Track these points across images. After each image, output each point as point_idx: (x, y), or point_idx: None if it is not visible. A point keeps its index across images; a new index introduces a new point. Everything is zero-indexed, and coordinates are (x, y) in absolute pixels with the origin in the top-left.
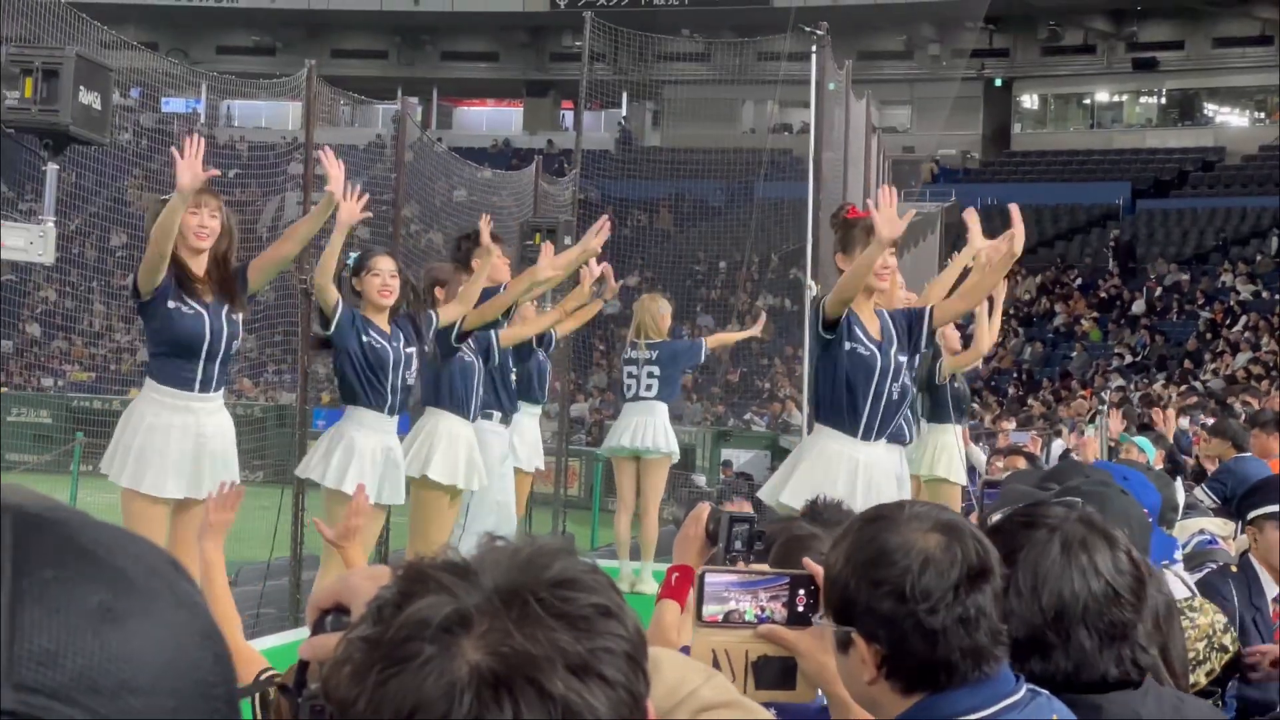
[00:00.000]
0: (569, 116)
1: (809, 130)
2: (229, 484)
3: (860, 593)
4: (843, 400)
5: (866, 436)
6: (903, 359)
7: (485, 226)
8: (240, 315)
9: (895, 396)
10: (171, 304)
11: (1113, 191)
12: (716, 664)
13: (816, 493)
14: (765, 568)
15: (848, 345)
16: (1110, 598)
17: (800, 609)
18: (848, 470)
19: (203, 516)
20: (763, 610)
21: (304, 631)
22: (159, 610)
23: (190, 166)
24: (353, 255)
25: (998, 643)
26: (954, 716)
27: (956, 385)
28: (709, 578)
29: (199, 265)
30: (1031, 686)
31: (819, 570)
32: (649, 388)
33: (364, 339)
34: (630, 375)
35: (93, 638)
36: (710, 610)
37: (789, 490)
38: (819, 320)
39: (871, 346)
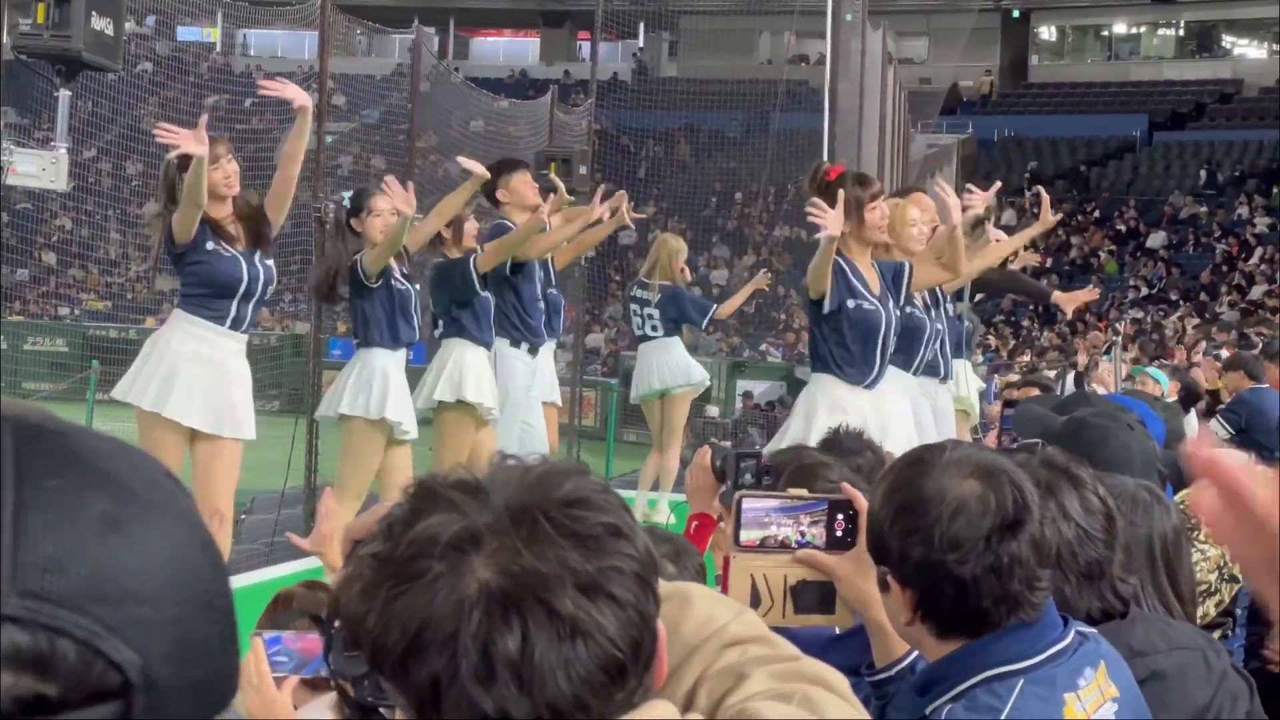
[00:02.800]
0: (585, 47)
1: (825, 61)
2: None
3: (893, 538)
4: (850, 357)
5: (872, 385)
6: (897, 312)
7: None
8: (271, 259)
9: (893, 348)
10: (210, 245)
11: (1130, 124)
12: (755, 589)
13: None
14: (804, 492)
15: (851, 304)
16: (1082, 539)
17: (839, 533)
18: (859, 417)
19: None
20: (801, 535)
21: (317, 560)
22: (161, 520)
23: (198, 140)
24: (346, 195)
25: (1034, 589)
26: (996, 665)
27: (965, 323)
28: (746, 503)
29: (223, 211)
30: (1080, 629)
31: (857, 494)
32: (654, 328)
33: (392, 283)
34: (635, 313)
35: (97, 546)
36: (748, 535)
37: (792, 437)
38: (808, 294)
39: (875, 301)
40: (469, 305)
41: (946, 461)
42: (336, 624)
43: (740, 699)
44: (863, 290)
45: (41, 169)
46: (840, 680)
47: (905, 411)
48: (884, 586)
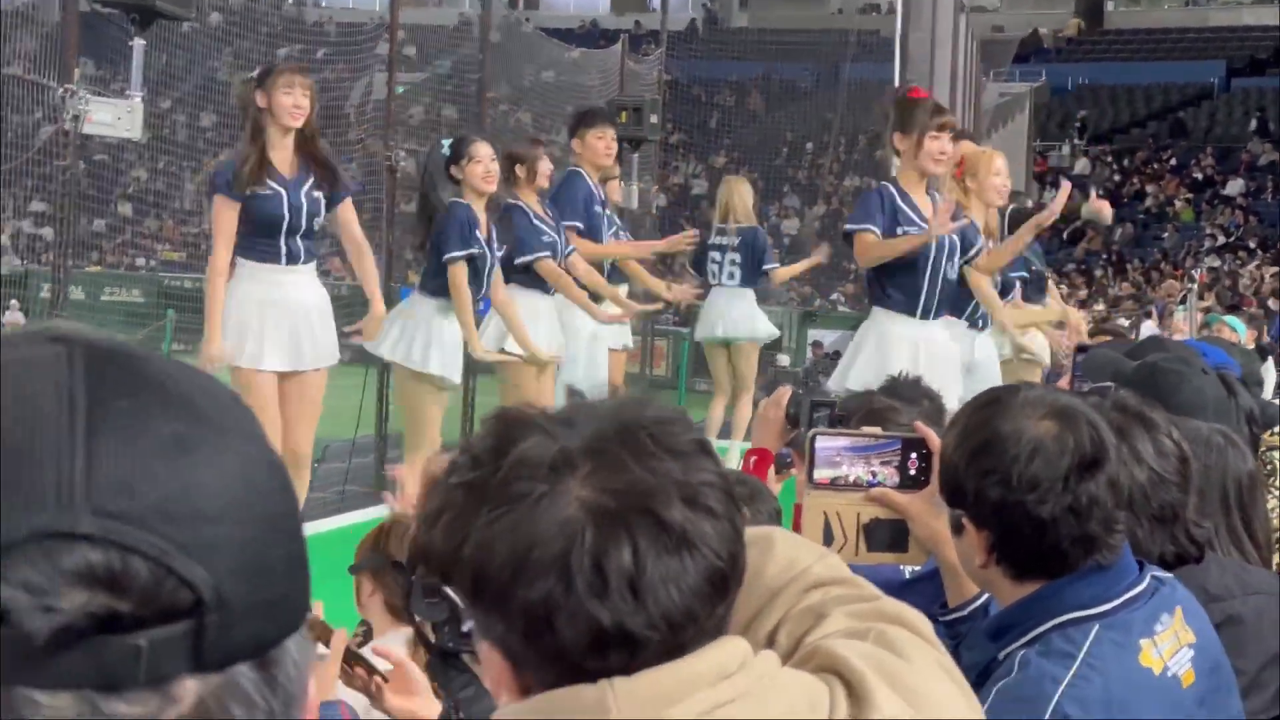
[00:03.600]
0: None
1: (896, 10)
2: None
3: (969, 480)
4: (900, 281)
5: (925, 315)
6: (955, 240)
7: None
8: (322, 194)
9: (952, 275)
10: (248, 190)
11: (1207, 70)
12: (828, 526)
13: (879, 375)
14: (877, 430)
15: (900, 230)
16: (1156, 483)
17: (912, 472)
18: (908, 351)
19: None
20: (874, 474)
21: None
22: (230, 442)
23: (214, 353)
24: (445, 142)
25: (1111, 531)
26: (1071, 610)
27: (1035, 268)
28: (820, 441)
29: (285, 146)
30: (1157, 574)
31: (930, 433)
32: (731, 275)
33: (474, 250)
34: (714, 260)
35: (167, 466)
36: (821, 473)
37: (854, 376)
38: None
39: (924, 225)
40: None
41: (1022, 402)
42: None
43: (817, 637)
44: (913, 216)
45: (117, 118)
46: (921, 620)
47: (954, 356)
48: (958, 530)
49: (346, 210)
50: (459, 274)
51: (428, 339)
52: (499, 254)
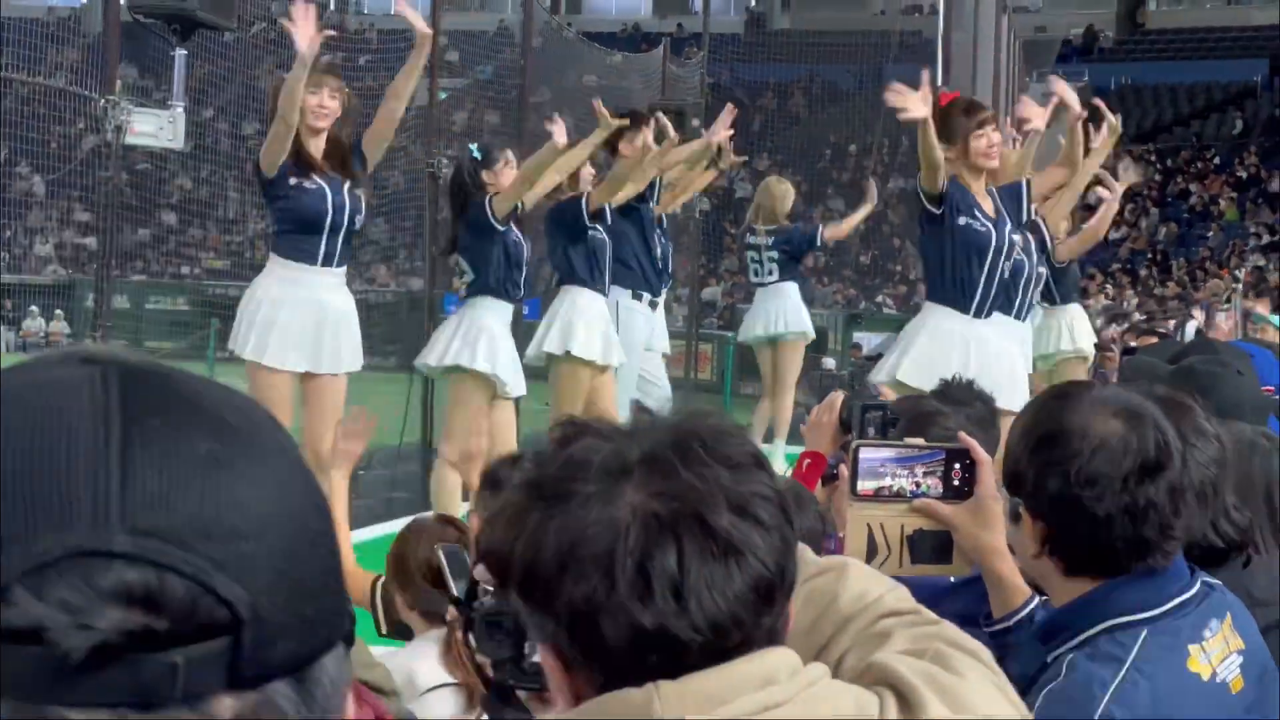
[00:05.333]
0: (698, 0)
1: (939, 11)
2: (363, 410)
3: (1030, 469)
4: (956, 277)
5: (979, 314)
6: (1015, 237)
7: (599, 108)
8: (361, 192)
9: (1007, 275)
10: (293, 180)
11: (1250, 69)
12: (872, 538)
13: (930, 370)
14: (920, 441)
15: (961, 220)
16: (1198, 464)
17: (956, 483)
18: (960, 348)
19: (333, 440)
20: (917, 485)
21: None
22: (264, 458)
23: (305, 31)
24: (473, 147)
25: (1167, 537)
26: (1121, 614)
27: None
28: (864, 452)
29: (316, 147)
30: (1207, 580)
31: (974, 444)
32: (770, 272)
33: (510, 236)
34: (753, 260)
35: (202, 484)
36: (865, 485)
37: (904, 369)
38: (921, 199)
39: (986, 223)
40: (581, 243)
41: (1093, 398)
42: (476, 603)
43: (877, 657)
44: (976, 213)
45: (159, 128)
46: (981, 648)
47: (1007, 353)
48: (1015, 518)
49: (365, 141)
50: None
51: (491, 345)
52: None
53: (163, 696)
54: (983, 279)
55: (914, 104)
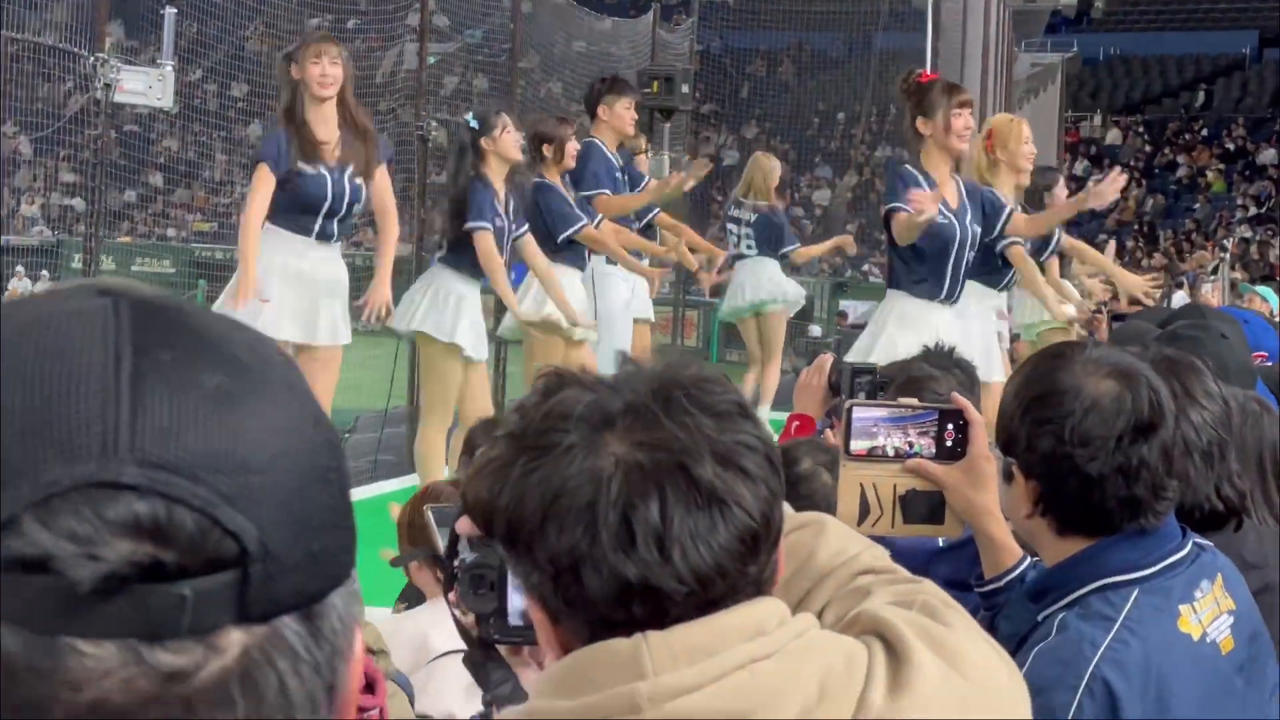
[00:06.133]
0: None
1: None
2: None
3: (1023, 428)
4: (922, 269)
5: (947, 300)
6: (978, 229)
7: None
8: (360, 179)
9: (970, 263)
10: (291, 163)
11: (1240, 41)
12: (864, 498)
13: (904, 353)
14: (914, 401)
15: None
16: (1203, 423)
17: (949, 444)
18: (929, 332)
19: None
20: (910, 445)
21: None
22: (274, 393)
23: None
24: (468, 117)
25: (1159, 497)
26: (1112, 574)
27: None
28: (857, 412)
29: (325, 117)
30: (1198, 541)
31: (967, 404)
32: (749, 247)
33: (497, 223)
34: (732, 232)
35: (213, 416)
36: (857, 445)
37: (876, 354)
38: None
39: (949, 215)
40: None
41: (1086, 359)
42: (458, 556)
43: (867, 607)
44: (940, 205)
45: (148, 87)
46: (961, 608)
47: (982, 330)
48: (1007, 478)
49: (381, 177)
50: (486, 241)
51: (457, 311)
52: (522, 227)
53: (170, 628)
54: (949, 270)
55: (929, 204)
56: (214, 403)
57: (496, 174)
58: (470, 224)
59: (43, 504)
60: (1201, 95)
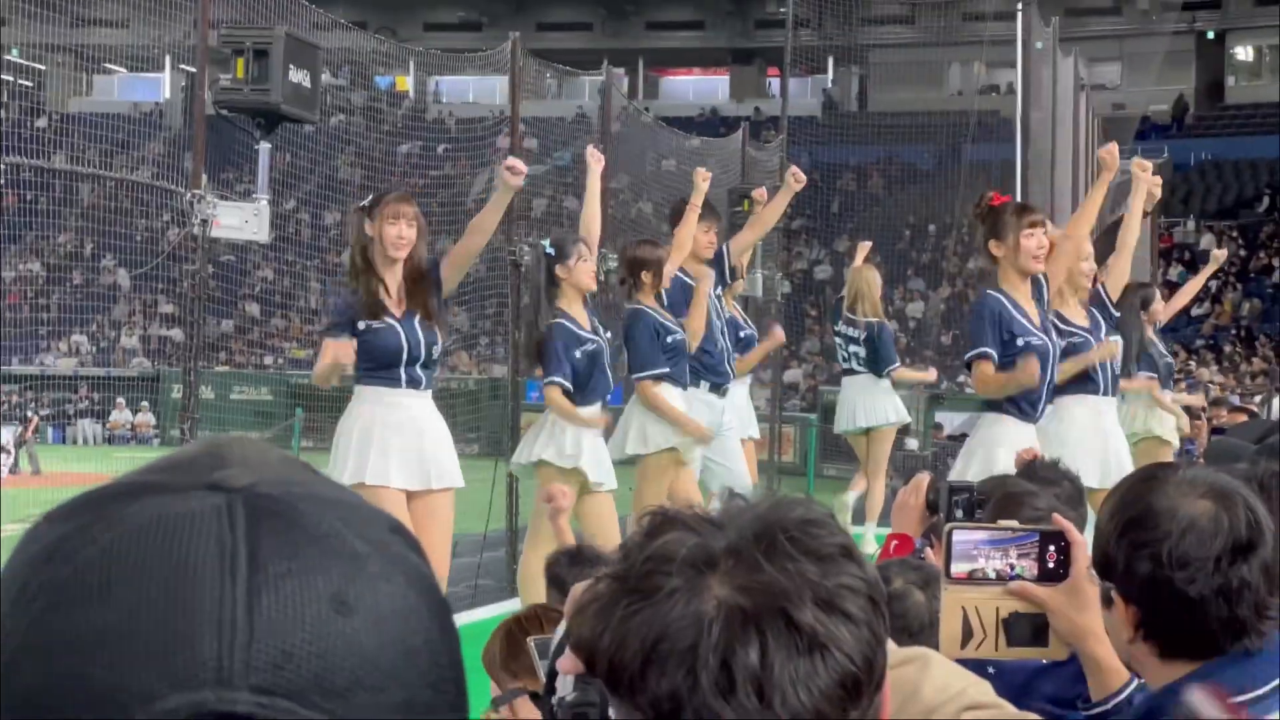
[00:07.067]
0: (775, 84)
1: (1016, 90)
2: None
3: (1120, 552)
4: (1025, 395)
5: (1039, 418)
6: (1057, 341)
7: (702, 182)
8: (434, 322)
9: (1054, 377)
10: (362, 325)
11: None
12: (967, 621)
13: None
14: (1014, 524)
15: (1019, 342)
16: None
17: (1051, 565)
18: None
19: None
20: (1011, 567)
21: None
22: (390, 593)
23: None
24: (545, 242)
25: (1263, 617)
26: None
27: (1160, 351)
28: (957, 534)
29: (393, 276)
30: None
31: (1069, 525)
32: (860, 363)
33: (578, 356)
34: (840, 347)
35: (327, 635)
36: (959, 568)
37: (971, 476)
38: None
39: (1041, 335)
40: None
41: (1180, 480)
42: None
43: None
44: (1027, 325)
45: (244, 221)
46: None
47: (1115, 432)
48: (1107, 602)
49: (443, 269)
50: (554, 395)
51: (578, 436)
52: (610, 347)
53: None
54: (1042, 390)
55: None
56: (329, 615)
57: (572, 301)
58: (545, 378)
59: None
60: None
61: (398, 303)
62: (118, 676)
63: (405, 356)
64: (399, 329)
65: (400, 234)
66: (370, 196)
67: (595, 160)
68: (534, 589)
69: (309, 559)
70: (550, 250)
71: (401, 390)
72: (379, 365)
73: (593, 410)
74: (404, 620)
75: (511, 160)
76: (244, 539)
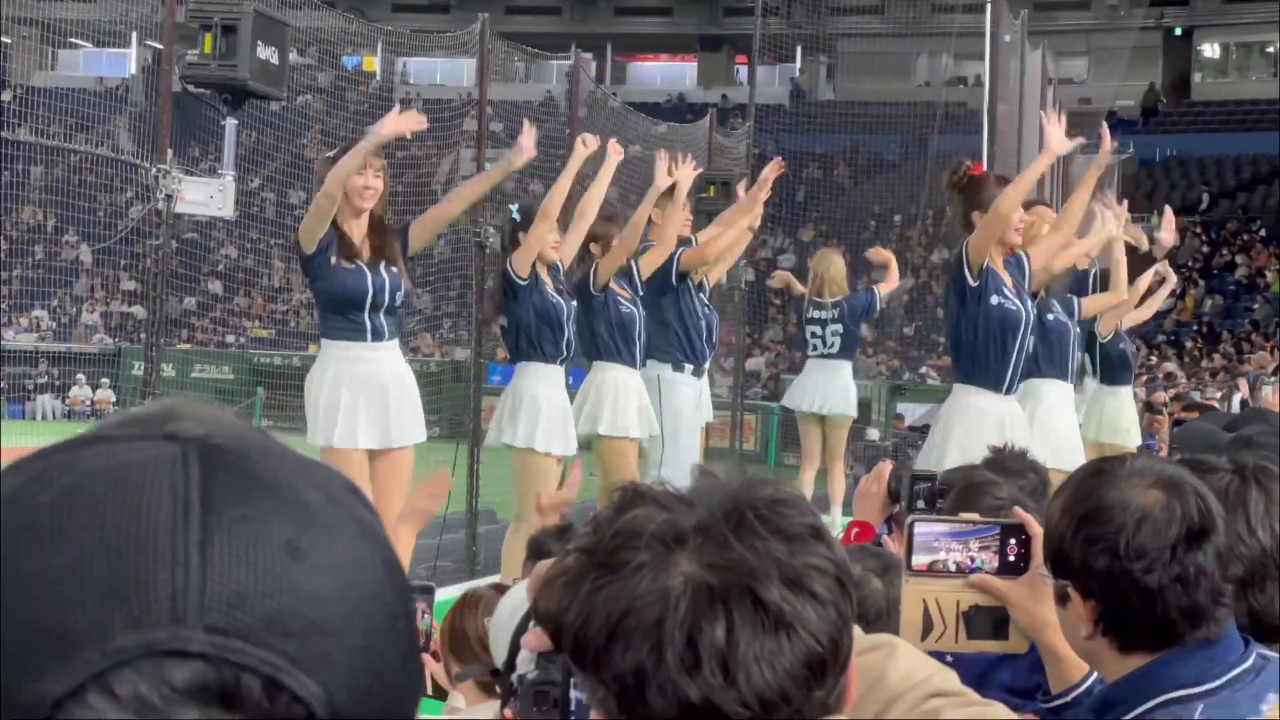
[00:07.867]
0: (743, 71)
1: (983, 82)
2: (445, 472)
3: (1075, 548)
4: (989, 357)
5: (1009, 391)
6: (1032, 309)
7: (663, 163)
8: (400, 270)
9: (1029, 349)
10: (333, 260)
11: None
12: (927, 613)
13: (976, 454)
14: (975, 516)
15: (993, 300)
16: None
17: (1011, 558)
18: (996, 428)
19: (409, 500)
20: (972, 560)
21: (476, 583)
22: (343, 543)
23: (399, 123)
24: (514, 208)
25: (1218, 604)
26: (1176, 688)
27: (1122, 346)
28: (919, 527)
29: (358, 228)
30: (1263, 652)
31: (1029, 519)
32: (832, 345)
33: (544, 294)
34: (814, 335)
35: (280, 577)
36: (920, 560)
37: (949, 460)
38: (963, 268)
39: (1015, 300)
40: (601, 318)
41: (1128, 471)
42: (515, 674)
43: None
44: (1005, 289)
45: (209, 197)
46: None
47: (1067, 417)
48: (1063, 600)
49: (414, 226)
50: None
51: (533, 415)
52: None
53: None
54: (1014, 357)
55: (1058, 141)
56: (283, 560)
57: (542, 269)
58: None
59: (111, 671)
60: (1260, 195)
61: (363, 251)
62: (72, 617)
63: (370, 301)
64: (366, 272)
65: (367, 184)
66: (338, 147)
67: (615, 153)
68: (516, 564)
69: (262, 506)
70: (516, 215)
71: (367, 344)
72: (342, 310)
73: (550, 375)
74: (358, 570)
75: (525, 142)
76: (198, 484)
